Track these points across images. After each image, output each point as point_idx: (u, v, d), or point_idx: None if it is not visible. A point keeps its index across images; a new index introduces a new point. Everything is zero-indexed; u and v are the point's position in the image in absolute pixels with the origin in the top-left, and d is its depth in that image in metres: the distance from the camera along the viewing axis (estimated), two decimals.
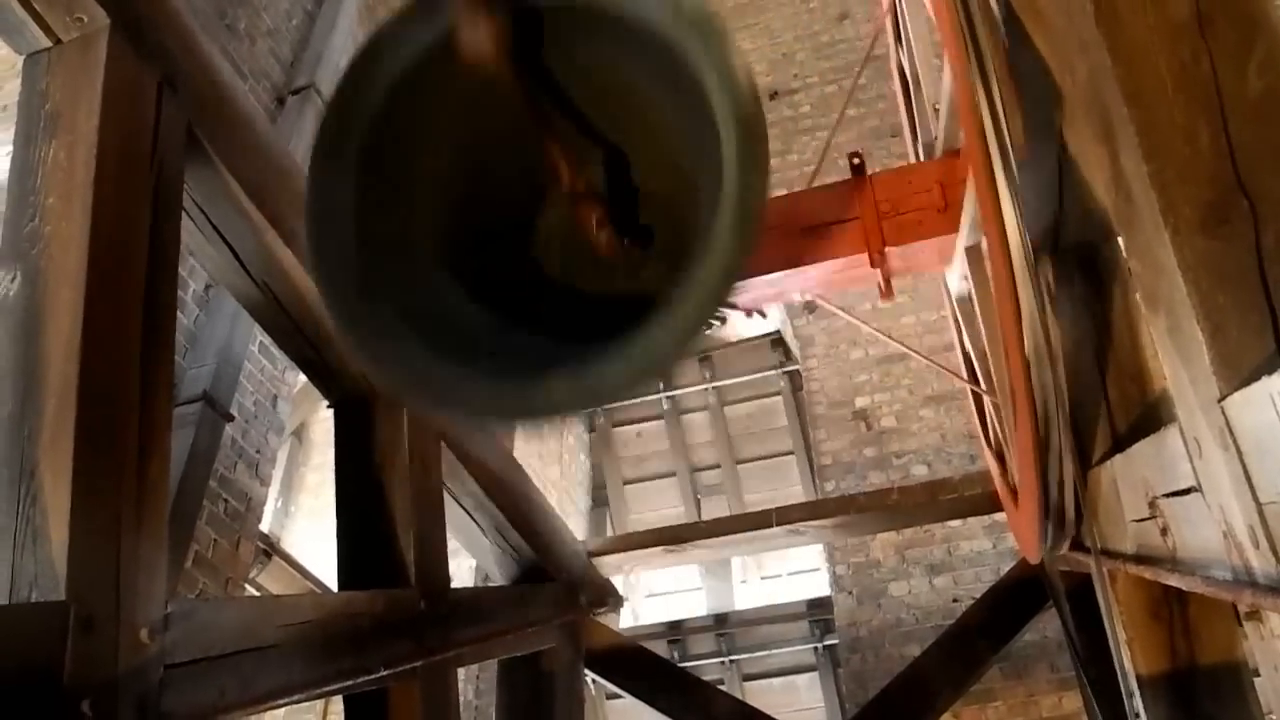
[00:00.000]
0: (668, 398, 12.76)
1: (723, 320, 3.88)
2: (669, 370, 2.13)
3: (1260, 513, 1.32)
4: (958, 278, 3.83)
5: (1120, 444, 2.41)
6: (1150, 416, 2.45)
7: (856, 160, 3.58)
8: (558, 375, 2.00)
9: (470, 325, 2.30)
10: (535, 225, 2.48)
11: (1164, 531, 1.90)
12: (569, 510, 11.22)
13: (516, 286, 2.40)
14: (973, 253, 3.41)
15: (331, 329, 3.12)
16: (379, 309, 2.15)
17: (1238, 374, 1.32)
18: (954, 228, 3.40)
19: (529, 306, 2.41)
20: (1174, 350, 1.50)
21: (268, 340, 5.82)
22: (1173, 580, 1.88)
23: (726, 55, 1.91)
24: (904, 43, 4.35)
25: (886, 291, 3.65)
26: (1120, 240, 2.49)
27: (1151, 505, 1.94)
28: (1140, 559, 2.14)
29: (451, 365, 2.14)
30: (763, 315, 3.61)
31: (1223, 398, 1.34)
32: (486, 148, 2.34)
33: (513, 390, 2.10)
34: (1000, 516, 6.16)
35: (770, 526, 5.40)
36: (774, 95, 11.05)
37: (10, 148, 2.40)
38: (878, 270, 3.59)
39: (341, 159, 2.16)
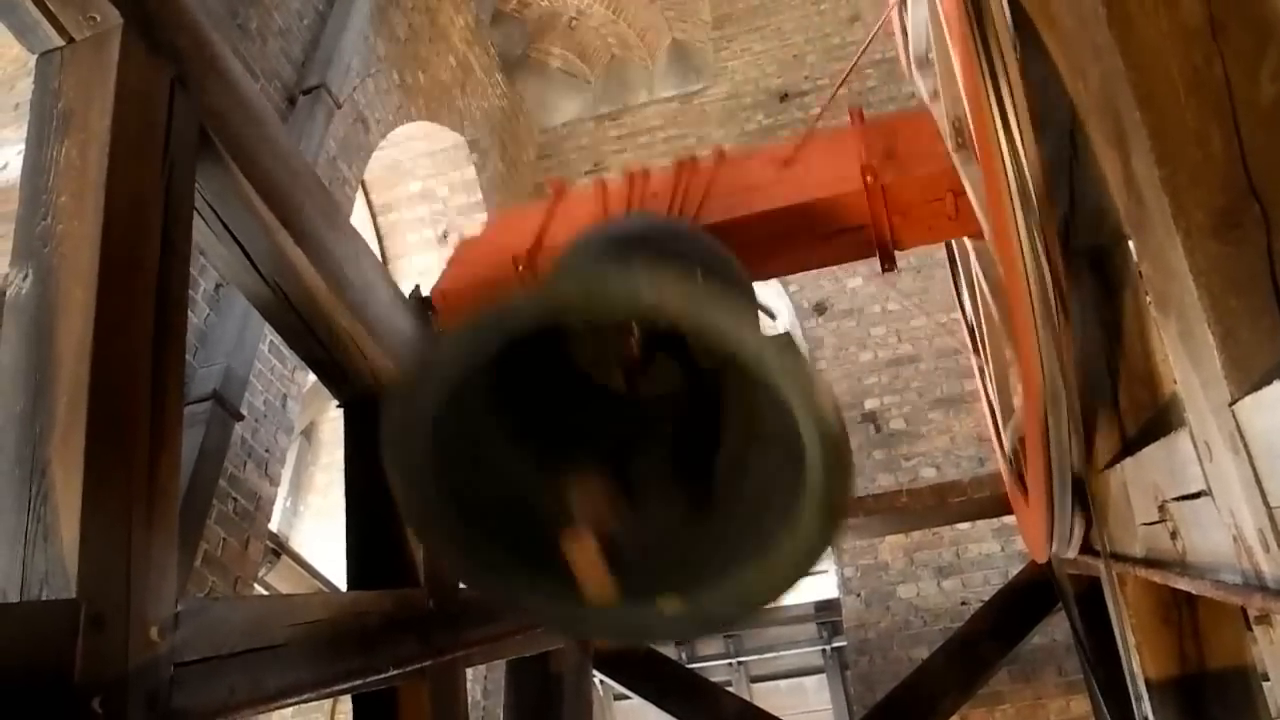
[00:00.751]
0: None
1: None
2: (758, 614, 2.43)
3: (1271, 516, 1.31)
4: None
5: (1130, 447, 2.41)
6: (1160, 420, 2.45)
7: (870, 176, 3.57)
8: (673, 606, 2.18)
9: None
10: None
11: (1174, 535, 1.89)
12: None
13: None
14: (983, 252, 3.41)
15: (347, 323, 3.17)
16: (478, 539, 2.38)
17: (1249, 378, 1.32)
18: (965, 231, 3.40)
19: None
20: (1185, 354, 1.50)
21: (278, 340, 5.83)
22: (1182, 584, 1.87)
23: (813, 387, 2.04)
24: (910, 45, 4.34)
25: (889, 266, 3.65)
26: (1131, 244, 2.48)
27: (1161, 509, 1.94)
28: (1150, 562, 2.14)
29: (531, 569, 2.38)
30: (772, 316, 3.60)
31: (1234, 401, 1.34)
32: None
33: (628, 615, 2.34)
34: (1009, 520, 6.16)
35: None
36: (784, 97, 11.07)
37: (23, 146, 2.41)
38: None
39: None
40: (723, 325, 2.08)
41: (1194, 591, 1.81)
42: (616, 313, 2.21)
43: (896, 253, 3.48)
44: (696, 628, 2.32)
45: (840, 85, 4.45)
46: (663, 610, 2.22)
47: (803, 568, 2.20)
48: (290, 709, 9.80)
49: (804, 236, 3.53)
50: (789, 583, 2.24)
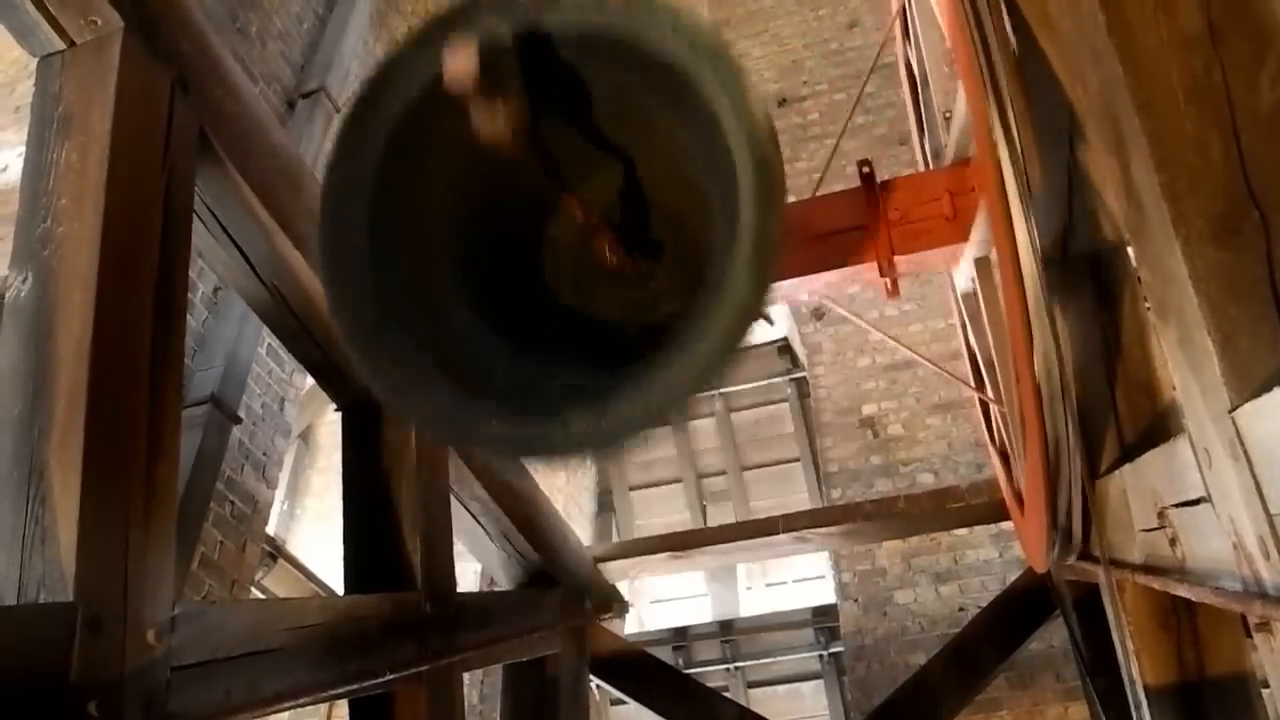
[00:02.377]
0: None
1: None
2: (686, 410, 2.14)
3: (1270, 524, 1.31)
4: (965, 277, 3.82)
5: (1129, 454, 2.41)
6: (1159, 427, 2.45)
7: (866, 169, 3.58)
8: (576, 412, 2.00)
9: (485, 353, 2.29)
10: (545, 246, 2.47)
11: (1173, 542, 1.89)
12: (574, 515, 11.21)
13: (528, 309, 2.39)
14: (981, 263, 3.41)
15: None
16: (395, 338, 2.14)
17: (1248, 385, 1.32)
18: (963, 236, 3.40)
19: (541, 330, 2.40)
20: (1184, 361, 1.50)
21: (275, 343, 5.83)
22: (1181, 591, 1.87)
23: (743, 93, 1.89)
24: (914, 50, 4.35)
25: (893, 290, 3.65)
26: (1130, 250, 2.49)
27: (1160, 515, 1.93)
28: (1149, 569, 2.14)
29: (468, 396, 2.14)
30: (770, 321, 3.61)
31: (1233, 408, 1.34)
32: (495, 172, 2.34)
33: (532, 425, 2.11)
34: (1007, 525, 6.16)
35: (776, 533, 5.39)
36: (782, 102, 11.07)
37: (23, 149, 2.41)
38: (884, 280, 3.59)
39: (355, 182, 2.16)
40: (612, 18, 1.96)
41: (1193, 598, 1.80)
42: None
43: (896, 258, 3.48)
44: (612, 434, 2.01)
45: (844, 129, 4.45)
46: (570, 428, 2.01)
47: (735, 330, 1.92)
48: (286, 713, 9.79)
49: (800, 236, 3.53)
50: (724, 353, 1.93)
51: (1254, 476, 1.32)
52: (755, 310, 1.91)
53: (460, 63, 1.88)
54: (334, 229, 2.16)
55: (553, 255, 2.48)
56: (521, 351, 2.33)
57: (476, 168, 2.29)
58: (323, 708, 9.80)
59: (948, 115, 3.61)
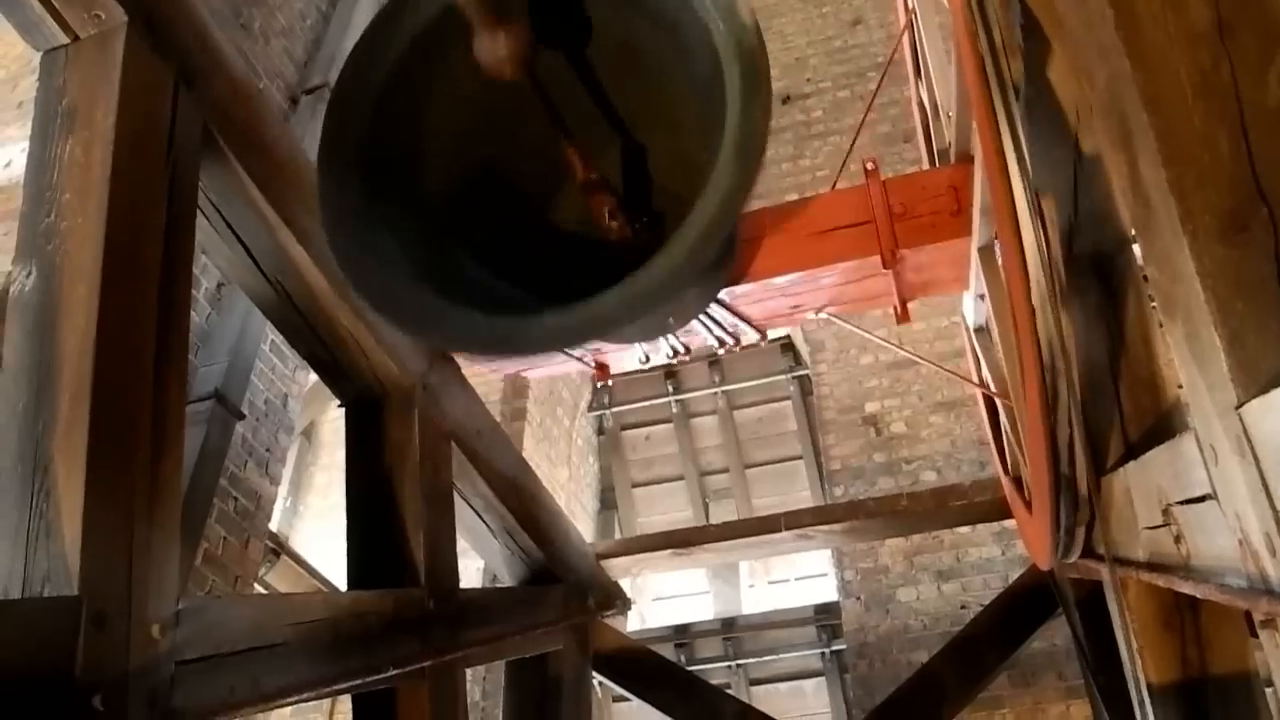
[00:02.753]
0: (677, 401, 12.75)
1: (735, 340, 3.89)
2: (665, 300, 2.13)
3: (1277, 520, 1.31)
4: (973, 298, 3.82)
5: (1133, 452, 2.40)
6: (1164, 425, 2.44)
7: (870, 165, 3.58)
8: (555, 310, 2.00)
9: (473, 273, 2.32)
10: (546, 196, 2.48)
11: (1177, 539, 1.89)
12: (577, 513, 11.22)
13: (523, 250, 2.40)
14: (986, 254, 3.41)
15: (349, 322, 3.14)
16: (380, 242, 2.19)
17: (1255, 381, 1.32)
18: (967, 231, 3.40)
19: (533, 270, 2.41)
20: (1191, 357, 1.50)
21: (279, 339, 5.83)
22: (1186, 588, 1.87)
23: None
24: (917, 48, 4.35)
25: (903, 315, 3.66)
26: (1136, 248, 2.48)
27: (1165, 512, 1.93)
28: (1153, 566, 2.13)
29: (448, 300, 2.17)
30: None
31: (1240, 405, 1.33)
32: (497, 110, 2.36)
33: (510, 323, 2.13)
34: (1009, 523, 6.15)
35: (779, 531, 5.39)
36: (786, 99, 11.05)
37: (26, 144, 2.41)
38: (893, 287, 3.59)
39: (357, 104, 2.20)
40: None
41: (1198, 595, 1.80)
42: None
43: (900, 251, 3.48)
44: (592, 322, 2.01)
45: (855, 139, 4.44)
46: (547, 321, 2.04)
47: (718, 221, 1.95)
48: (289, 708, 9.80)
49: (806, 231, 3.53)
50: (705, 240, 1.96)
51: (1260, 473, 1.32)
52: (740, 198, 1.93)
53: None
54: (336, 125, 2.20)
55: (550, 200, 2.49)
56: (513, 282, 2.36)
57: (480, 102, 2.33)
58: (325, 704, 9.82)
59: (950, 113, 3.60)
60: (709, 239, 1.94)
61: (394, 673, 2.94)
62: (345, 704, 9.18)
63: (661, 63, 2.30)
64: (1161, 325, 2.03)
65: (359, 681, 2.82)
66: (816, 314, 3.98)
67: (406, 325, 2.21)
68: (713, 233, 1.93)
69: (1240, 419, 1.34)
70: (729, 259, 3.18)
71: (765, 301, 3.74)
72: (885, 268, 3.51)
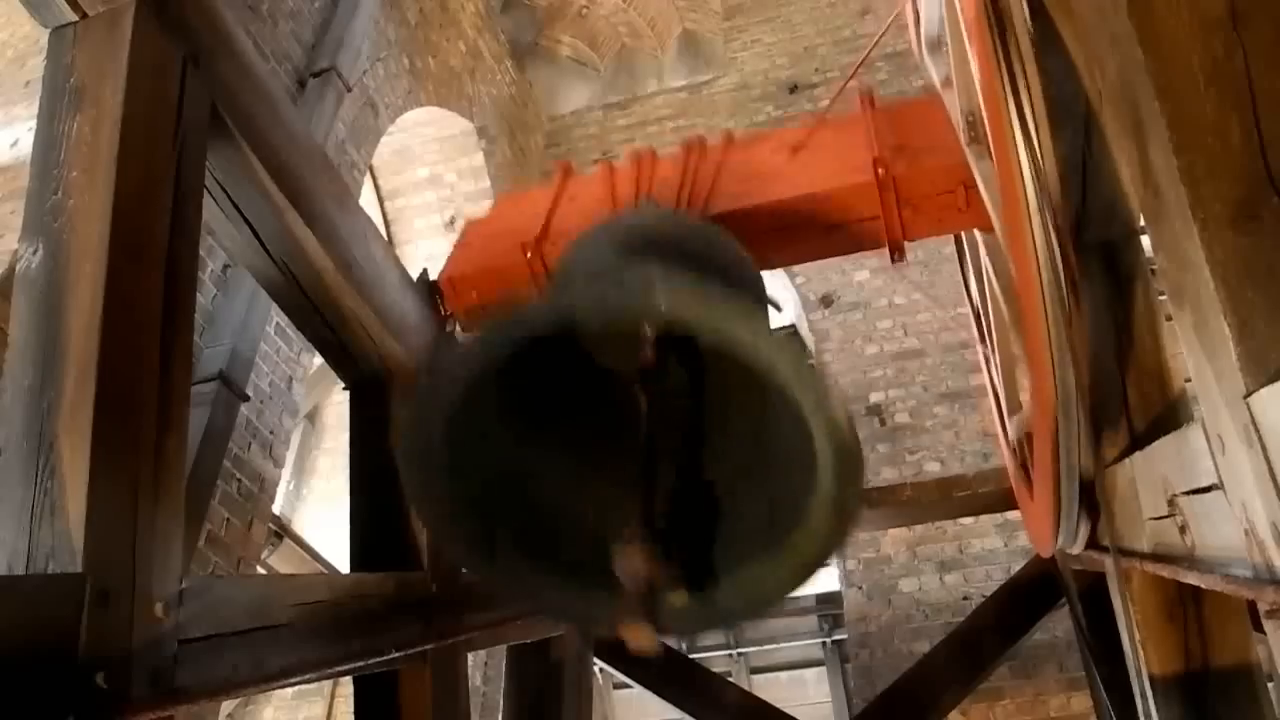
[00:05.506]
0: None
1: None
2: (764, 611, 2.67)
3: None
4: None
5: (1138, 443, 2.40)
6: (1169, 416, 2.44)
7: (881, 171, 3.56)
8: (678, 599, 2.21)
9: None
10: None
11: (1183, 529, 1.89)
12: None
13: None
14: (993, 243, 3.40)
15: (354, 303, 3.16)
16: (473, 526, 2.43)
17: (1264, 370, 1.31)
18: (975, 224, 3.39)
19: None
20: (1199, 346, 1.49)
21: (284, 322, 5.85)
22: (1191, 579, 1.87)
23: (826, 392, 2.09)
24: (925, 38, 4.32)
25: (899, 257, 3.63)
26: (1143, 238, 2.47)
27: (1170, 503, 1.93)
28: (1157, 557, 2.13)
29: (540, 570, 2.47)
30: (778, 308, 3.60)
31: (1248, 394, 1.33)
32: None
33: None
34: (1012, 515, 6.16)
35: None
36: (794, 89, 11.05)
37: (34, 123, 2.41)
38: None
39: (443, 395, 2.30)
40: (737, 333, 2.12)
41: (1203, 586, 1.79)
42: (630, 321, 2.24)
43: (906, 243, 3.47)
44: (703, 623, 2.38)
45: (850, 78, 4.42)
46: (672, 604, 2.23)
47: (811, 568, 2.24)
48: (291, 690, 9.83)
49: (813, 227, 3.51)
50: (796, 582, 2.27)
51: (1268, 462, 1.32)
52: (827, 555, 2.27)
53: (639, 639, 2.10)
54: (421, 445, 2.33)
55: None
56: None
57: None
58: (326, 689, 9.85)
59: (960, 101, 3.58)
60: (798, 579, 2.27)
61: (396, 655, 2.94)
62: (346, 688, 9.21)
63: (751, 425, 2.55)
64: (1169, 318, 2.03)
65: (361, 663, 2.83)
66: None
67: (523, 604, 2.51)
68: (804, 575, 2.27)
69: (1248, 408, 1.34)
70: None
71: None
72: (894, 262, 3.50)
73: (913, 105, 3.85)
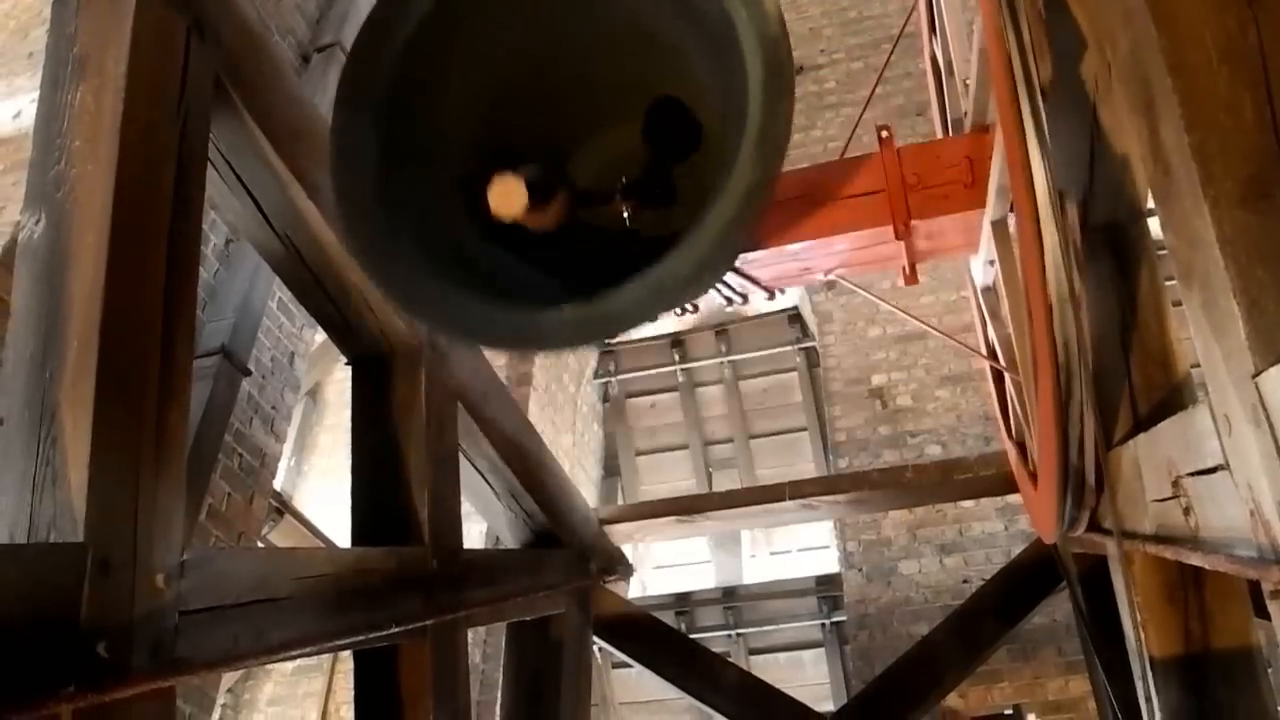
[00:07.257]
0: (682, 370, 12.74)
1: (744, 299, 3.88)
2: (684, 296, 2.12)
3: None
4: (982, 264, 3.80)
5: (1142, 425, 2.39)
6: (1174, 399, 2.43)
7: (884, 133, 3.55)
8: (574, 303, 2.01)
9: (487, 262, 2.32)
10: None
11: (1186, 511, 1.88)
12: (581, 479, 11.23)
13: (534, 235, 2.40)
14: (999, 227, 3.38)
15: (357, 278, 3.13)
16: (397, 236, 2.19)
17: (1273, 350, 1.31)
18: (981, 203, 3.38)
19: (550, 254, 2.41)
20: (1207, 325, 1.49)
21: (286, 296, 5.83)
22: (1195, 559, 1.86)
23: None
24: (935, 17, 4.30)
25: (910, 276, 3.63)
26: (1150, 220, 2.46)
27: (1175, 484, 1.92)
28: (1160, 539, 2.13)
29: (465, 288, 2.18)
30: (781, 292, 3.59)
31: (1257, 373, 1.32)
32: (515, 91, 2.36)
33: (528, 317, 2.14)
34: (1013, 498, 6.15)
35: (783, 500, 5.39)
36: (800, 70, 10.97)
37: (36, 94, 2.39)
38: (902, 252, 3.56)
39: (377, 60, 2.20)
40: None
41: (1208, 567, 1.79)
42: None
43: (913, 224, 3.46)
44: (593, 329, 2.11)
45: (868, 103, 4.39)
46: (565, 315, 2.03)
47: (738, 218, 1.94)
48: (290, 665, 9.85)
49: (818, 199, 3.51)
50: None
51: (1275, 441, 1.31)
52: (762, 193, 1.94)
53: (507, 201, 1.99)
54: (345, 132, 2.21)
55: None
56: (526, 268, 2.36)
57: (501, 78, 2.33)
58: (325, 664, 9.87)
59: (967, 82, 3.57)
60: (732, 233, 1.95)
61: (396, 630, 2.94)
62: (346, 663, 9.23)
63: (680, 50, 2.30)
64: (1176, 302, 2.02)
65: (361, 638, 2.83)
66: (826, 275, 3.96)
67: (423, 315, 2.22)
68: (736, 227, 1.93)
69: (1257, 387, 1.33)
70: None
71: (775, 265, 3.72)
72: (897, 238, 3.49)
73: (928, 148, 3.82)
